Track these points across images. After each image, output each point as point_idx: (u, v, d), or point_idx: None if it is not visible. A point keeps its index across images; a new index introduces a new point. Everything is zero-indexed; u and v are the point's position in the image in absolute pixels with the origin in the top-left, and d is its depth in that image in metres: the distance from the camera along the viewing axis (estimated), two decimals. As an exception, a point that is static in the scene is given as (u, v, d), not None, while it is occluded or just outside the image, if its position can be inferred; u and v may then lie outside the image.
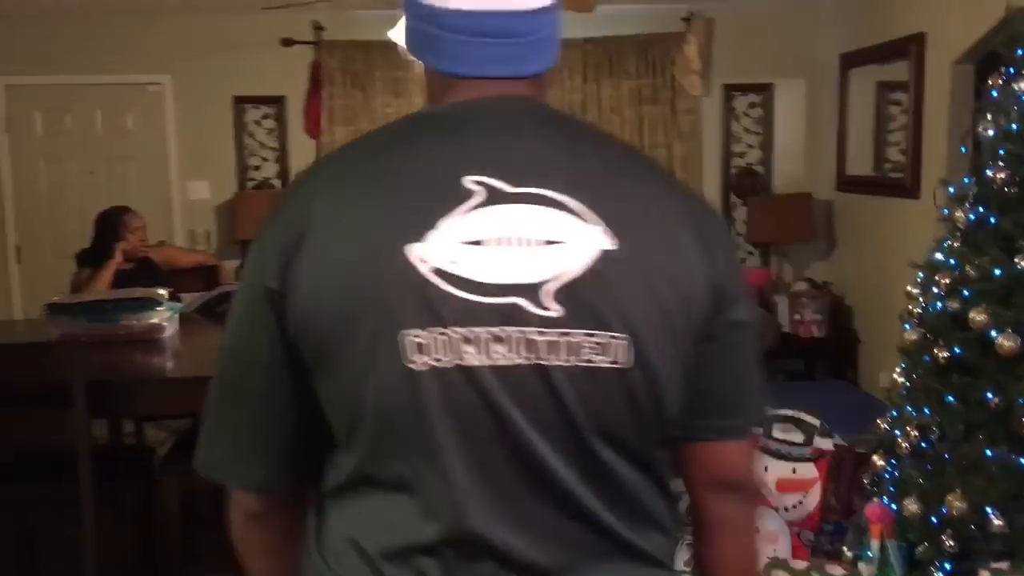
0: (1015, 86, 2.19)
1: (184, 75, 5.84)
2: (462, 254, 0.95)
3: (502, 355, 0.95)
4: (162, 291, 3.47)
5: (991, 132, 2.29)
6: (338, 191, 1.00)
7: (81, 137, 5.91)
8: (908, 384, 2.50)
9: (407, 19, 1.07)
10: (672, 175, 1.29)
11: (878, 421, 2.69)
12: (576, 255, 0.96)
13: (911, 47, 4.65)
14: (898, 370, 2.61)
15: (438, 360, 0.95)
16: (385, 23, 4.21)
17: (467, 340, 0.95)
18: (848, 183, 5.61)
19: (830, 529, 2.80)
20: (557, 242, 0.96)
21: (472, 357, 0.95)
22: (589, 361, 0.96)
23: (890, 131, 5.24)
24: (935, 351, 2.34)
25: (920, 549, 2.33)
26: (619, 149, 1.11)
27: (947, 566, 2.32)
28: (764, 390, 1.12)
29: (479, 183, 0.97)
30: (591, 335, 0.96)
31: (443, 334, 0.95)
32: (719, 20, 5.81)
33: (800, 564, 2.46)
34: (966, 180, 2.40)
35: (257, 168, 5.94)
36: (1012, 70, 2.23)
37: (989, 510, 2.18)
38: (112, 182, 5.90)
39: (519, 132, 1.02)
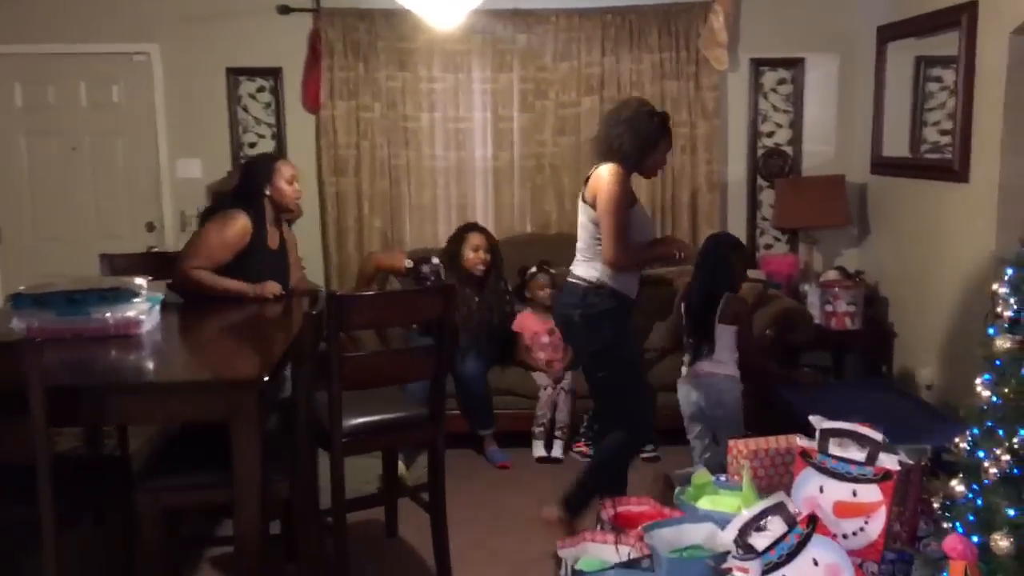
0: None
1: (173, 44, 5.47)
2: None
3: None
4: (140, 280, 3.12)
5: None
6: None
7: (64, 110, 5.55)
8: (997, 399, 2.14)
9: None
10: None
11: (956, 440, 2.34)
12: None
13: (962, 17, 4.26)
14: (980, 382, 2.26)
15: None
16: (390, -14, 3.84)
17: None
18: (884, 165, 5.24)
19: (892, 558, 2.45)
20: None
21: None
22: None
23: (929, 109, 4.86)
24: (1034, 363, 1.99)
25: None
26: None
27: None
28: None
29: None
30: None
31: None
32: (747, -11, 5.43)
33: (867, 606, 2.11)
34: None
35: (253, 145, 5.56)
36: None
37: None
38: (97, 159, 5.58)
39: None
